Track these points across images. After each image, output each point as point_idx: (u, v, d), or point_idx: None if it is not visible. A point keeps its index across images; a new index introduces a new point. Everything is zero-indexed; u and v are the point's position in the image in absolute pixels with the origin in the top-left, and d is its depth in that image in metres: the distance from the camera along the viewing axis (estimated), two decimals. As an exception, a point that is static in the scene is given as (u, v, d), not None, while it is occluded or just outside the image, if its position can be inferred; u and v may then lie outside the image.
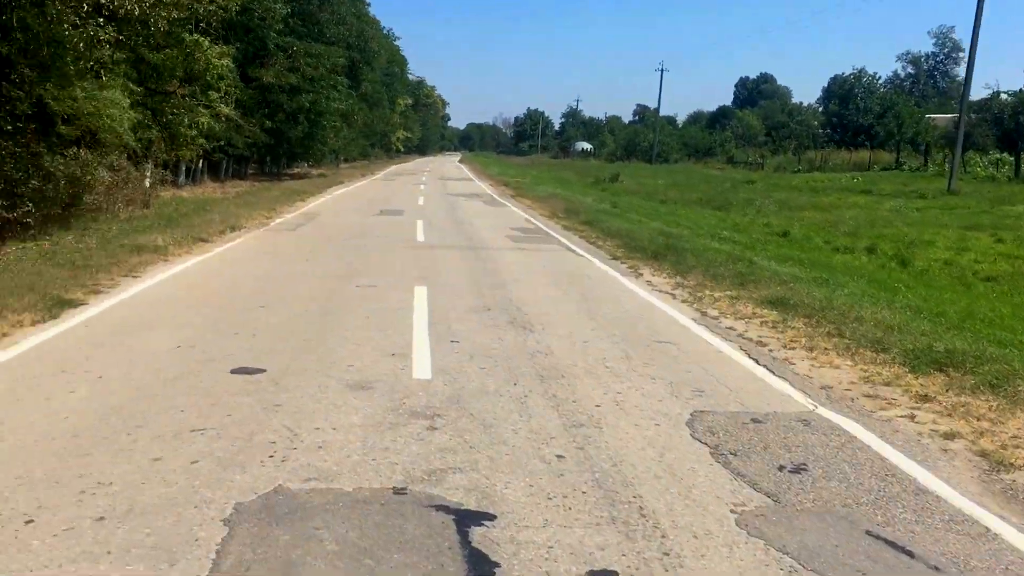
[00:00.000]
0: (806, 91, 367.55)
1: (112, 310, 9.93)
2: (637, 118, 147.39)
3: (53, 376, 7.10)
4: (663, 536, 4.55)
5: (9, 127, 15.09)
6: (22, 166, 15.31)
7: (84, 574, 3.91)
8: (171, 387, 6.89)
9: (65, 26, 14.44)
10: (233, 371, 7.40)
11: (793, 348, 9.01)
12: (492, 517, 4.69)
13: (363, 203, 30.14)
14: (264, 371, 7.44)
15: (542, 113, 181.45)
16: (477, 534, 4.48)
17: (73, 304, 9.94)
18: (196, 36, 25.48)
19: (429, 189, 41.62)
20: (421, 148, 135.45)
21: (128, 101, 20.56)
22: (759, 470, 5.55)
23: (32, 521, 4.40)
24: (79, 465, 5.19)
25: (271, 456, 5.45)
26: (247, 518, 4.54)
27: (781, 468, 5.61)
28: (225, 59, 27.23)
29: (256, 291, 11.46)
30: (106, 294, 10.80)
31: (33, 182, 15.31)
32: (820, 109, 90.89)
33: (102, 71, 19.21)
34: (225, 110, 27.89)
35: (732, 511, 4.90)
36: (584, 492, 5.08)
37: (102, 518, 4.48)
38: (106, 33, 15.46)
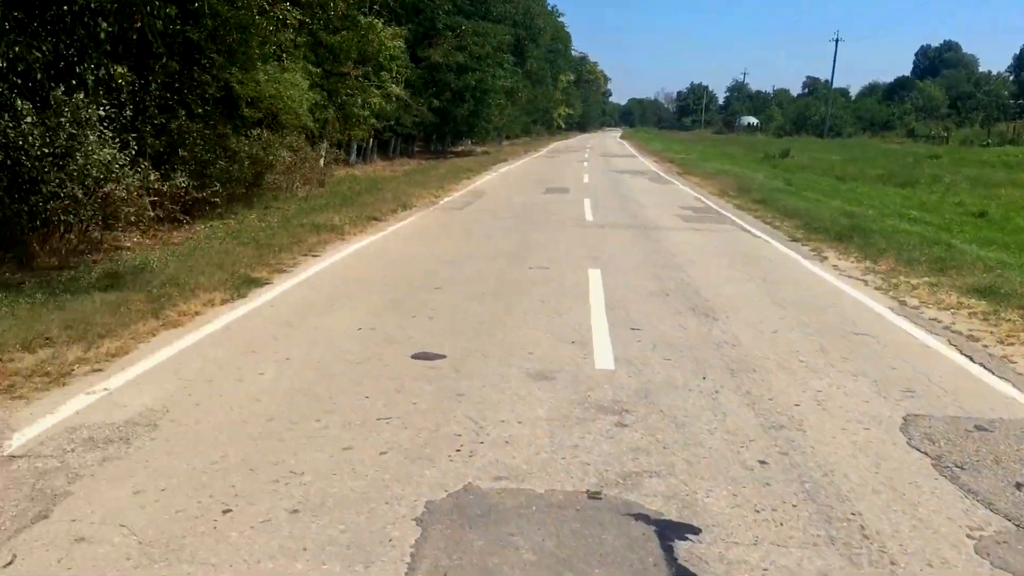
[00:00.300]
0: (995, 59, 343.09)
1: (295, 289, 10.13)
2: (807, 91, 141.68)
3: (243, 356, 7.23)
4: (892, 563, 4.08)
5: (200, 110, 15.71)
6: (210, 147, 15.94)
7: (281, 572, 3.84)
8: (356, 371, 6.87)
9: (253, 11, 14.88)
10: (414, 356, 7.33)
11: (1011, 344, 8.18)
12: (696, 530, 4.35)
13: (528, 181, 30.09)
14: (444, 357, 7.33)
15: (706, 87, 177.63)
16: (682, 549, 4.15)
17: (259, 283, 10.20)
18: (370, 18, 25.96)
19: (592, 166, 41.22)
20: (582, 124, 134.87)
21: (307, 83, 21.16)
22: (993, 487, 4.97)
23: (230, 511, 4.39)
24: (272, 451, 5.18)
25: (457, 450, 5.29)
26: (439, 518, 4.38)
27: (1019, 486, 5.00)
28: (397, 40, 27.69)
29: (430, 272, 11.46)
30: (288, 273, 11.05)
31: (220, 163, 15.91)
32: (1011, 78, 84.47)
33: (283, 55, 19.82)
34: (396, 90, 28.41)
35: (968, 536, 4.37)
36: (795, 505, 4.66)
37: (296, 511, 4.43)
38: (292, 17, 15.88)
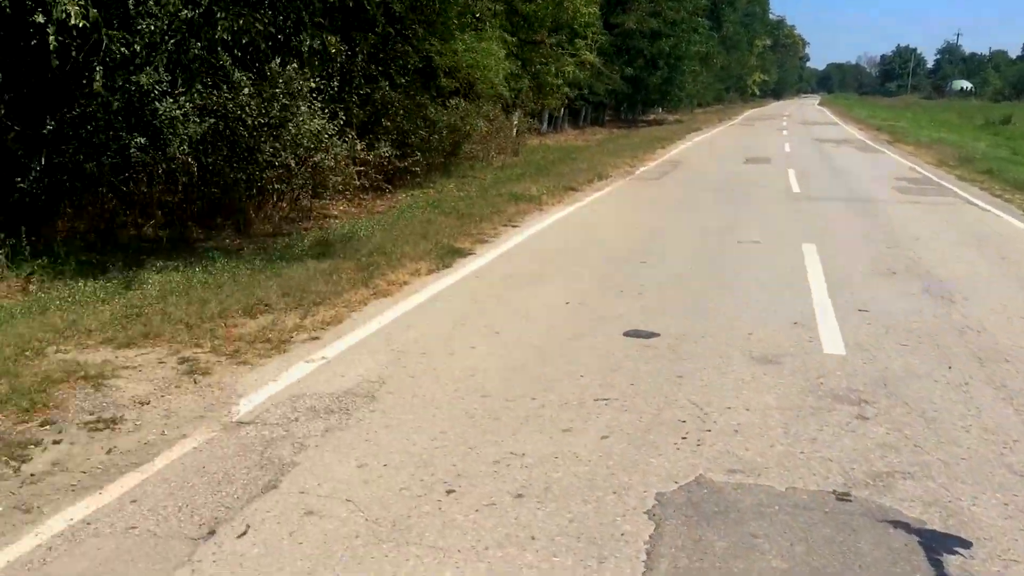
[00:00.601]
0: None
1: (498, 261, 10.02)
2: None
3: (453, 329, 7.14)
4: None
5: (401, 81, 15.93)
6: (411, 117, 16.15)
7: (511, 561, 3.64)
8: (568, 348, 6.64)
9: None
10: (626, 333, 7.02)
11: None
12: (966, 544, 3.84)
13: (725, 150, 29.03)
14: (657, 335, 6.98)
15: (913, 50, 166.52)
16: (953, 566, 3.66)
17: (462, 253, 10.16)
18: (566, -15, 25.65)
19: (792, 134, 39.36)
20: (777, 91, 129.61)
21: (503, 52, 21.13)
22: None
23: (453, 491, 4.24)
24: (491, 430, 5.02)
25: (683, 437, 4.95)
26: (672, 513, 4.06)
27: None
28: (592, 6, 27.22)
29: (633, 244, 11.10)
30: (490, 243, 10.97)
31: (421, 132, 16.10)
32: None
33: (480, 24, 19.84)
34: (590, 57, 28.03)
35: None
36: (1084, 523, 4.04)
37: (520, 495, 4.22)
38: (491, -15, 15.80)
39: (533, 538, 3.82)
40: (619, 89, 37.32)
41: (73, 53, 8.47)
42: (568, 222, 13.03)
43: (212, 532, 3.81)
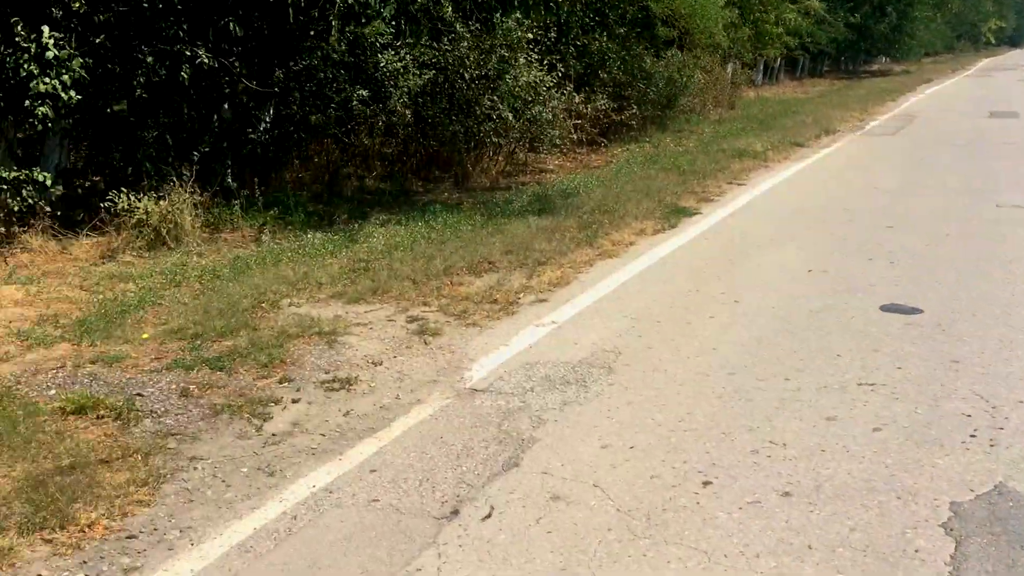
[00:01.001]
0: None
1: (726, 221, 9.41)
2: None
3: (687, 295, 6.67)
4: None
5: (620, 31, 15.36)
6: (628, 69, 15.57)
7: (788, 573, 3.18)
8: (817, 322, 6.02)
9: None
10: (883, 308, 6.30)
11: None
12: None
13: (964, 103, 26.55)
14: (920, 311, 6.22)
15: None
16: None
17: (688, 212, 9.61)
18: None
19: (1038, 86, 35.63)
20: (1014, 40, 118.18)
21: (722, 0, 20.07)
22: None
23: (710, 483, 3.82)
24: (743, 413, 4.54)
25: (972, 436, 4.28)
26: (975, 529, 3.46)
27: None
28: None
29: (875, 206, 10.15)
30: (716, 202, 10.34)
31: (639, 84, 15.51)
32: None
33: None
34: (815, 4, 26.28)
35: None
36: None
37: (788, 493, 3.74)
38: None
39: (810, 547, 3.34)
40: (842, 37, 34.91)
41: (303, 4, 8.53)
42: (798, 180, 12.15)
43: (455, 512, 3.57)
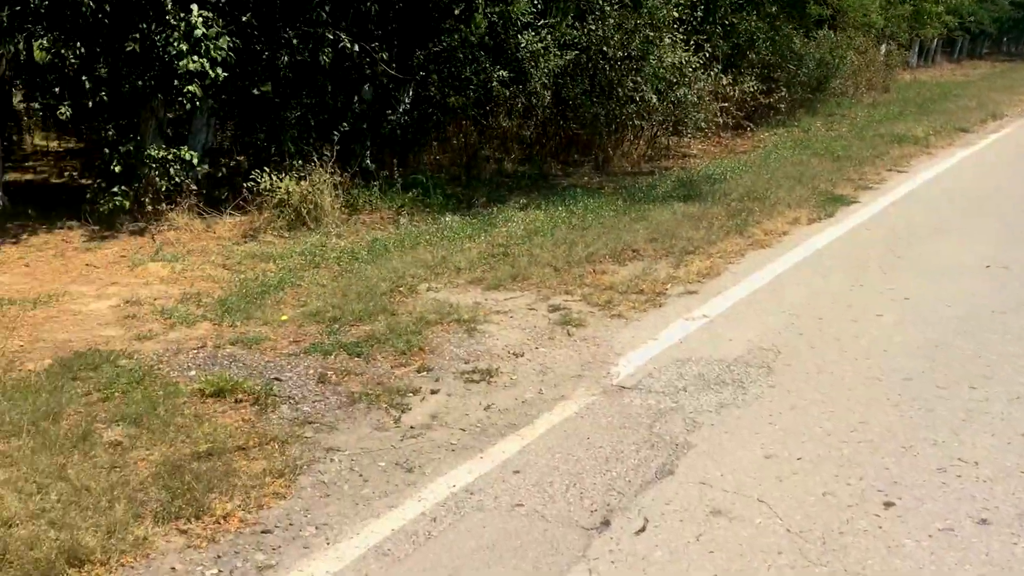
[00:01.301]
0: None
1: (888, 210, 8.76)
2: None
3: (850, 291, 6.15)
4: None
5: (770, 9, 14.65)
6: (777, 50, 14.86)
7: (992, 620, 2.75)
8: (1003, 324, 5.43)
9: None
10: (1078, 310, 5.65)
11: None
12: None
13: None
14: (1123, 315, 5.54)
15: None
16: None
17: (844, 201, 9.00)
18: None
19: None
20: None
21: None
22: None
23: (892, 504, 3.39)
24: (924, 426, 4.07)
25: None
26: None
27: None
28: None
29: (1056, 197, 9.29)
30: (876, 190, 9.66)
31: (789, 66, 14.77)
32: None
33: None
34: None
35: None
36: None
37: (985, 520, 3.28)
38: None
39: (1017, 587, 2.90)
40: (1006, 16, 32.70)
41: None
42: (965, 168, 11.27)
43: (606, 522, 3.27)
